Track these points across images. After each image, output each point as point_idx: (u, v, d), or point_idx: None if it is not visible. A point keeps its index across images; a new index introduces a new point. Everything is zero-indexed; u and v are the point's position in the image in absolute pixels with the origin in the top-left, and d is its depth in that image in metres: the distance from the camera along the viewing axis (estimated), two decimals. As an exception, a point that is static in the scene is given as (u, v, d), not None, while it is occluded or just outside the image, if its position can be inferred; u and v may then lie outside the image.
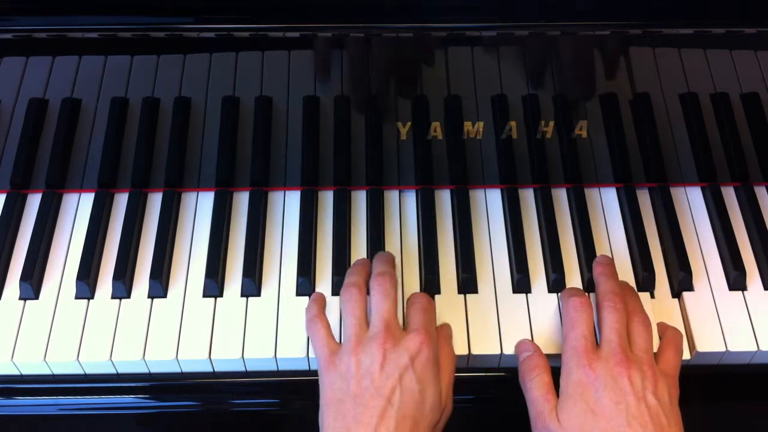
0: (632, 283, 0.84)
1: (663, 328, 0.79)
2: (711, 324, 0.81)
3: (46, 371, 0.80)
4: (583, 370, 0.71)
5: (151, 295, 0.83)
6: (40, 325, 0.81)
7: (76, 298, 0.83)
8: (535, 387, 0.73)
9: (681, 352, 0.76)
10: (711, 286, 0.84)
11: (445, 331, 0.77)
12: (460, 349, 0.79)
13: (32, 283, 0.82)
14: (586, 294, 0.78)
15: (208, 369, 0.80)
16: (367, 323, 0.73)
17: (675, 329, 0.79)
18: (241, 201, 0.90)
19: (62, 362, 0.79)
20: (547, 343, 0.79)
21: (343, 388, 0.69)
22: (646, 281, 0.83)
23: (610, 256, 0.86)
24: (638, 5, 0.75)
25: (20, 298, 0.83)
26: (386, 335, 0.70)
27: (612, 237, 0.88)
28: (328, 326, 0.76)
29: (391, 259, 0.80)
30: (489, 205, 0.90)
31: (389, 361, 0.69)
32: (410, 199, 0.90)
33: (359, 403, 0.67)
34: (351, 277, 0.78)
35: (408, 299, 0.77)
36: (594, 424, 0.68)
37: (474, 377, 0.81)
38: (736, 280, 0.84)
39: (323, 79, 0.80)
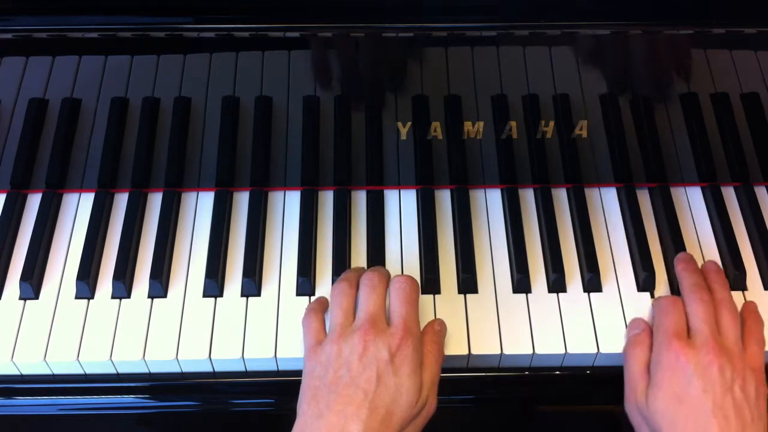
0: (632, 284, 0.84)
1: (743, 317, 0.78)
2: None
3: (46, 371, 0.80)
4: (674, 355, 0.71)
5: (151, 295, 0.83)
6: (40, 325, 0.81)
7: (76, 298, 0.83)
8: (635, 362, 0.75)
9: (764, 345, 0.76)
10: (711, 286, 0.84)
11: (435, 327, 0.77)
12: (460, 349, 0.79)
13: (32, 283, 0.82)
14: None
15: (208, 369, 0.80)
16: (354, 316, 0.74)
17: (755, 320, 0.78)
18: (241, 201, 0.90)
19: (62, 362, 0.79)
20: (546, 343, 0.79)
21: (321, 376, 0.70)
22: (646, 281, 0.83)
23: (610, 256, 0.86)
24: (638, 5, 0.75)
25: (20, 298, 0.83)
26: (369, 327, 0.71)
27: (612, 237, 0.88)
28: (322, 320, 0.76)
29: (383, 268, 0.80)
30: (489, 205, 0.90)
31: (368, 353, 0.69)
32: (410, 199, 0.90)
33: (333, 390, 0.68)
34: (343, 275, 0.79)
35: (391, 281, 0.76)
36: (678, 411, 0.69)
37: (474, 377, 0.81)
38: (737, 280, 0.84)
39: (323, 79, 0.80)
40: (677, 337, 0.73)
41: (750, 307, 0.79)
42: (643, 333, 0.77)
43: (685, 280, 0.79)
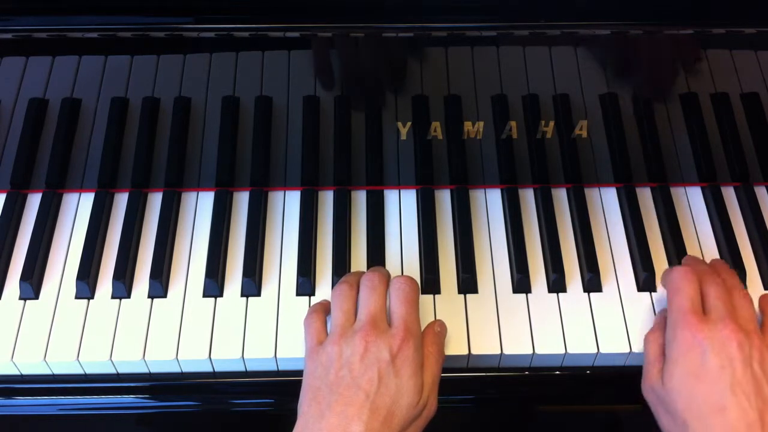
0: (632, 284, 0.84)
1: (761, 308, 0.78)
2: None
3: (46, 371, 0.80)
4: (689, 330, 0.70)
5: (151, 295, 0.83)
6: (40, 325, 0.81)
7: (76, 298, 0.83)
8: (651, 347, 0.75)
9: None
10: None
11: (435, 329, 0.77)
12: (460, 349, 0.79)
13: (32, 283, 0.82)
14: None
15: (208, 369, 0.80)
16: (355, 317, 0.74)
17: None
18: (241, 201, 0.90)
19: (62, 362, 0.79)
20: (546, 343, 0.79)
21: (322, 376, 0.70)
22: (646, 281, 0.83)
23: (610, 256, 0.86)
24: (638, 5, 0.75)
25: (20, 298, 0.83)
26: (370, 328, 0.71)
27: (612, 237, 0.88)
28: (323, 321, 0.76)
29: (383, 268, 0.80)
30: (489, 205, 0.90)
31: (370, 354, 0.69)
32: (410, 199, 0.90)
33: (334, 391, 0.68)
34: (343, 278, 0.79)
35: (390, 282, 0.76)
36: (695, 387, 0.68)
37: (474, 377, 0.81)
38: (736, 280, 0.84)
39: (323, 79, 0.80)
40: (693, 312, 0.71)
41: (767, 299, 0.79)
42: (659, 322, 0.77)
43: (695, 269, 0.78)
